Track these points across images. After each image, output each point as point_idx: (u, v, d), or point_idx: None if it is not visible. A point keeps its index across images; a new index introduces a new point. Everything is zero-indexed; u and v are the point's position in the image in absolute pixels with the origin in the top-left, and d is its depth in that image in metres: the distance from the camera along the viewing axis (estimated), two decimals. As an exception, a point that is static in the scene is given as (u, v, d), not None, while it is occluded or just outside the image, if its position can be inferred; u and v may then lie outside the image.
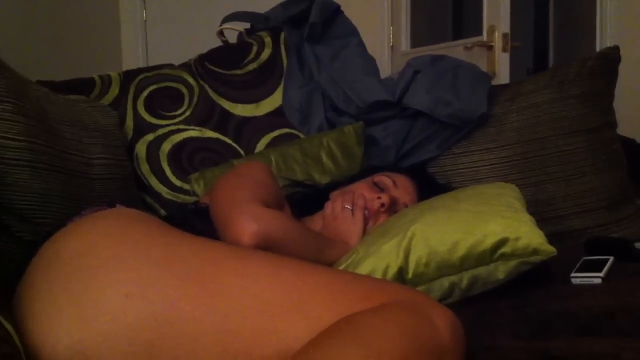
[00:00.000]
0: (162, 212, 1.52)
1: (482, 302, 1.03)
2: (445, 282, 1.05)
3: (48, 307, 0.76)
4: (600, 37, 2.93)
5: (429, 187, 1.37)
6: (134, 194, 1.49)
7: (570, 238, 1.47)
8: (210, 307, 0.73)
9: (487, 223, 1.04)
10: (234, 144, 1.62)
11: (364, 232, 1.21)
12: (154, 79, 1.65)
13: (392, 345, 0.66)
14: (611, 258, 1.13)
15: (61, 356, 0.73)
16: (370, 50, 1.80)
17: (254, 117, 1.66)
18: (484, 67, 2.50)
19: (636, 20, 2.82)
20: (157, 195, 1.55)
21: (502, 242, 1.01)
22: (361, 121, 1.63)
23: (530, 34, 5.09)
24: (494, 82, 1.97)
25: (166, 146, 1.58)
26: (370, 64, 1.73)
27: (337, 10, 1.79)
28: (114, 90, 1.60)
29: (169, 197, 1.55)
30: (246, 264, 0.79)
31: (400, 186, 1.30)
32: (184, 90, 1.65)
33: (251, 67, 1.72)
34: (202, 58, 1.73)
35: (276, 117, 1.68)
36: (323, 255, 1.10)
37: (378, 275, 1.03)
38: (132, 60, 3.04)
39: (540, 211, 1.43)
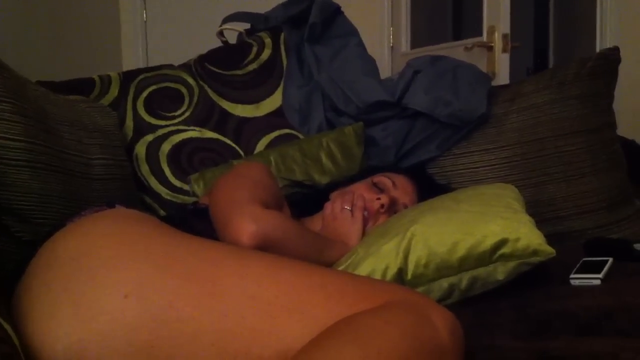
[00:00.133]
0: (162, 212, 1.52)
1: (482, 302, 1.03)
2: (444, 282, 1.05)
3: (47, 307, 0.76)
4: (600, 37, 2.93)
5: (429, 187, 1.37)
6: (134, 195, 1.49)
7: (570, 239, 1.47)
8: (209, 307, 0.73)
9: (486, 224, 1.04)
10: (233, 145, 1.62)
11: (364, 232, 1.21)
12: (153, 79, 1.65)
13: (391, 345, 0.66)
14: (610, 259, 1.13)
15: (60, 356, 0.73)
16: (370, 50, 1.80)
17: (254, 118, 1.66)
18: (484, 68, 2.50)
19: (636, 20, 2.82)
20: (156, 196, 1.55)
21: (502, 243, 1.01)
22: (361, 121, 1.63)
23: (530, 34, 5.08)
24: (494, 83, 1.97)
25: (166, 147, 1.58)
26: (369, 64, 1.73)
27: (337, 11, 1.79)
28: (114, 91, 1.60)
29: (169, 197, 1.55)
30: (245, 264, 0.79)
31: (399, 187, 1.30)
32: (184, 90, 1.65)
33: (251, 67, 1.72)
34: (202, 58, 1.73)
35: (276, 118, 1.68)
36: (322, 255, 1.10)
37: (377, 275, 1.03)
38: (132, 60, 3.04)
39: (540, 212, 1.43)
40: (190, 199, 1.50)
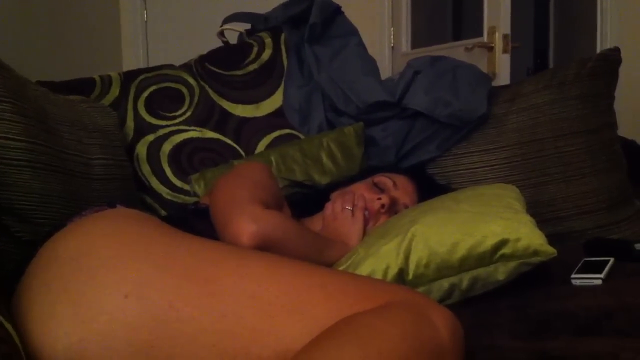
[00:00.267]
0: (163, 212, 1.52)
1: (482, 302, 1.04)
2: (445, 283, 1.05)
3: (47, 307, 0.76)
4: (600, 37, 2.94)
5: (429, 187, 1.37)
6: (134, 195, 1.49)
7: (570, 239, 1.47)
8: (209, 307, 0.73)
9: (487, 224, 1.04)
10: (234, 145, 1.62)
11: (364, 232, 1.21)
12: (154, 79, 1.65)
13: (392, 345, 0.66)
14: (611, 259, 1.13)
15: (60, 356, 0.73)
16: (370, 51, 1.80)
17: (254, 118, 1.66)
18: (484, 68, 2.50)
19: (636, 20, 2.82)
20: (157, 196, 1.55)
21: (502, 243, 1.01)
22: (361, 122, 1.63)
23: (530, 34, 5.09)
24: (495, 83, 1.97)
25: (167, 147, 1.58)
26: (370, 64, 1.73)
27: (337, 11, 1.79)
28: (115, 91, 1.60)
29: (170, 197, 1.55)
30: (245, 265, 0.79)
31: (400, 187, 1.30)
32: (185, 90, 1.65)
33: (251, 67, 1.72)
34: (203, 59, 1.74)
35: (276, 118, 1.68)
36: (323, 256, 1.10)
37: (378, 276, 1.03)
38: (132, 60, 3.05)
39: (540, 212, 1.43)
40: (191, 199, 1.50)
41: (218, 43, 1.90)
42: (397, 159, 1.62)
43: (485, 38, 2.63)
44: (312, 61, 1.71)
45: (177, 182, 1.56)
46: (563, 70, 1.59)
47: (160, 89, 1.63)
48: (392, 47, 3.20)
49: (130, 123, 1.57)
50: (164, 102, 1.62)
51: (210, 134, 1.62)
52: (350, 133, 1.59)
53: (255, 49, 1.75)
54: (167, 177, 1.56)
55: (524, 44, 4.03)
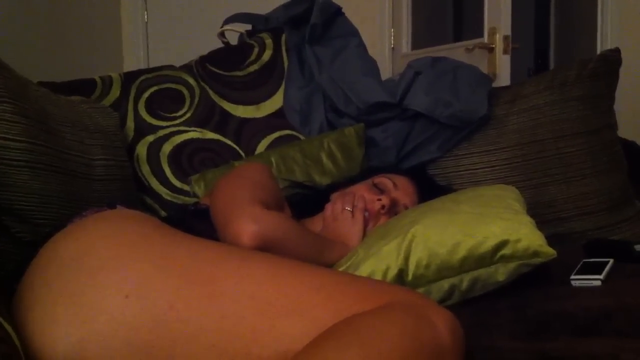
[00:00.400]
0: (163, 213, 1.52)
1: (481, 302, 1.04)
2: (445, 284, 1.05)
3: (48, 308, 0.76)
4: (601, 38, 2.94)
5: (429, 188, 1.37)
6: (134, 195, 1.49)
7: (571, 240, 1.47)
8: (209, 308, 0.74)
9: (487, 225, 1.04)
10: (234, 146, 1.62)
11: (364, 233, 1.21)
12: (155, 80, 1.65)
13: (392, 346, 0.66)
14: (611, 260, 1.13)
15: (61, 356, 0.73)
16: (371, 51, 1.80)
17: (255, 119, 1.67)
18: (484, 69, 2.50)
19: (637, 21, 2.82)
20: (157, 197, 1.55)
21: (503, 244, 1.01)
22: (361, 123, 1.63)
23: (530, 35, 5.09)
24: (495, 84, 1.97)
25: (167, 147, 1.58)
26: (370, 65, 1.73)
27: (338, 12, 1.79)
28: (115, 92, 1.60)
29: (170, 198, 1.55)
30: (245, 265, 0.79)
31: (400, 188, 1.30)
32: (185, 91, 1.65)
33: (252, 68, 1.72)
34: (203, 59, 1.74)
35: (277, 119, 1.68)
36: (323, 256, 1.10)
37: (378, 276, 1.03)
38: (133, 61, 3.05)
39: (540, 213, 1.43)
40: (190, 200, 1.50)
41: (219, 44, 1.90)
42: (398, 160, 1.62)
43: (485, 39, 2.63)
44: (313, 62, 1.71)
45: (177, 183, 1.56)
46: (564, 71, 1.59)
47: (161, 90, 1.63)
48: (393, 48, 3.20)
49: (130, 124, 1.57)
50: (165, 102, 1.62)
51: (211, 135, 1.62)
52: (351, 134, 1.59)
53: (255, 50, 1.75)
54: (167, 178, 1.56)
55: (524, 44, 4.04)
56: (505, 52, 2.54)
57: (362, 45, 1.77)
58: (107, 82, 1.61)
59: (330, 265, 1.10)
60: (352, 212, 1.22)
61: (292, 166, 1.51)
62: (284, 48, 1.76)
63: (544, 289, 1.06)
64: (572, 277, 1.09)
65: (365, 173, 1.40)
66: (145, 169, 1.56)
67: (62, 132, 1.21)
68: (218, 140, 1.62)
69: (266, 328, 0.72)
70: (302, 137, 1.66)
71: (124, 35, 3.10)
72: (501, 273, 1.03)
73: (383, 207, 1.23)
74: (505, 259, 1.02)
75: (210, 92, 1.66)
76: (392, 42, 3.19)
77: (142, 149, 1.56)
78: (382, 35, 3.17)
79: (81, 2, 2.71)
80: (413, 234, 1.05)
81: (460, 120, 1.57)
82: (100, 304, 0.74)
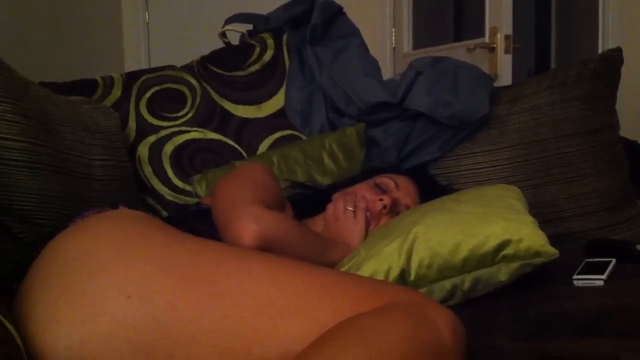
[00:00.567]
0: (164, 213, 1.53)
1: (481, 302, 1.04)
2: (447, 284, 1.05)
3: (49, 308, 0.76)
4: (602, 38, 2.93)
5: (431, 188, 1.37)
6: (135, 196, 1.49)
7: (572, 240, 1.47)
8: (210, 308, 0.74)
9: (489, 225, 1.04)
10: (235, 146, 1.62)
11: (366, 233, 1.21)
12: (156, 80, 1.65)
13: (394, 346, 0.66)
14: (613, 260, 1.13)
15: (62, 356, 0.73)
16: (372, 51, 1.80)
17: (256, 119, 1.67)
18: (485, 69, 2.50)
19: (638, 20, 2.82)
20: (159, 197, 1.55)
21: (504, 244, 1.01)
22: (362, 123, 1.63)
23: (531, 35, 5.08)
24: (496, 84, 1.97)
25: (168, 147, 1.58)
26: (371, 65, 1.73)
27: (339, 11, 1.79)
28: (117, 92, 1.60)
29: (171, 198, 1.55)
30: (246, 265, 0.79)
31: (402, 188, 1.30)
32: (186, 91, 1.65)
33: (253, 68, 1.72)
34: (204, 59, 1.74)
35: (278, 119, 1.68)
36: (324, 256, 1.10)
37: (380, 277, 1.03)
38: (134, 61, 3.04)
39: (541, 213, 1.42)
40: (192, 200, 1.50)
41: (220, 44, 1.90)
42: (399, 160, 1.62)
43: (486, 39, 2.63)
44: (314, 62, 1.71)
45: (179, 183, 1.56)
46: (565, 71, 1.59)
47: (162, 90, 1.64)
48: (394, 47, 3.20)
49: (132, 124, 1.58)
50: (166, 103, 1.62)
51: (212, 135, 1.62)
52: (352, 134, 1.59)
53: (257, 50, 1.75)
54: (169, 178, 1.56)
55: (525, 44, 4.03)
56: (506, 51, 2.54)
57: (363, 46, 1.77)
58: (109, 83, 1.62)
59: (331, 266, 1.10)
60: (354, 212, 1.22)
61: (293, 166, 1.51)
62: (285, 48, 1.76)
63: (544, 289, 1.06)
64: (575, 277, 1.09)
65: (367, 173, 1.40)
66: (147, 170, 1.56)
67: (62, 132, 1.21)
68: (219, 141, 1.62)
69: (267, 328, 0.72)
70: (303, 137, 1.66)
71: (125, 35, 3.10)
72: (503, 273, 1.03)
73: (385, 207, 1.23)
74: (507, 259, 1.02)
75: (212, 92, 1.66)
76: (393, 41, 3.19)
77: (143, 150, 1.57)
78: (383, 35, 3.17)
79: (82, 2, 2.71)
80: (415, 234, 1.05)
81: (461, 120, 1.57)
82: (101, 304, 0.74)
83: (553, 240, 1.04)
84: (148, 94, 1.62)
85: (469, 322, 0.82)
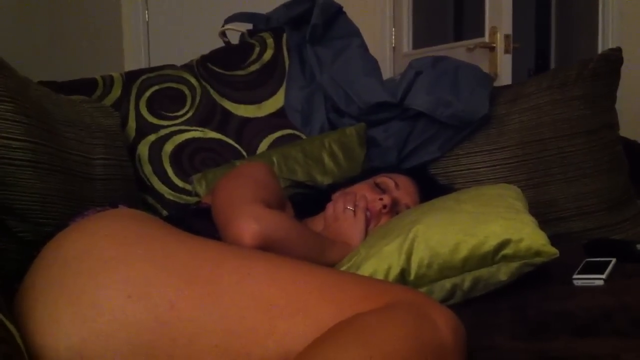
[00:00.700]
0: (165, 212, 1.53)
1: (481, 302, 1.04)
2: (447, 283, 1.05)
3: (49, 307, 0.76)
4: (602, 37, 2.93)
5: (431, 188, 1.37)
6: (135, 195, 1.49)
7: (572, 240, 1.47)
8: (210, 308, 0.74)
9: (489, 224, 1.04)
10: (235, 145, 1.62)
11: (366, 233, 1.21)
12: (156, 79, 1.65)
13: (394, 346, 0.66)
14: (613, 260, 1.13)
15: (62, 356, 0.73)
16: (372, 51, 1.80)
17: (256, 118, 1.67)
18: (486, 69, 2.50)
19: (638, 20, 2.82)
20: (159, 196, 1.55)
21: (504, 243, 1.01)
22: (363, 122, 1.63)
23: (531, 35, 5.08)
24: (496, 84, 1.97)
25: (168, 147, 1.58)
26: (371, 64, 1.73)
27: (339, 11, 1.79)
28: (116, 91, 1.60)
29: (171, 197, 1.55)
30: (246, 265, 0.79)
31: (401, 187, 1.30)
32: (186, 91, 1.65)
33: (253, 67, 1.72)
34: (204, 59, 1.74)
35: (278, 118, 1.68)
36: (324, 256, 1.10)
37: (380, 276, 1.03)
38: (134, 61, 3.05)
39: (541, 213, 1.42)
40: (192, 199, 1.50)
41: (220, 43, 1.90)
42: (399, 160, 1.62)
43: (486, 38, 2.63)
44: (314, 62, 1.71)
45: (179, 183, 1.56)
46: (565, 70, 1.59)
47: (162, 89, 1.64)
48: (394, 47, 3.20)
49: (132, 123, 1.58)
50: (166, 102, 1.62)
51: (212, 134, 1.62)
52: (352, 134, 1.59)
53: (257, 49, 1.75)
54: (169, 177, 1.56)
55: (525, 44, 4.03)
56: (506, 51, 2.54)
57: (363, 46, 1.77)
58: (108, 82, 1.61)
59: (331, 265, 1.10)
60: (354, 211, 1.22)
61: (293, 166, 1.51)
62: (285, 47, 1.76)
63: (544, 289, 1.06)
64: (575, 276, 1.09)
65: (367, 173, 1.40)
66: (147, 169, 1.56)
67: (63, 131, 1.21)
68: (219, 140, 1.62)
69: (267, 328, 0.72)
70: (303, 137, 1.66)
71: (124, 34, 3.10)
72: (503, 272, 1.03)
73: (384, 206, 1.23)
74: (507, 258, 1.02)
75: (212, 92, 1.66)
76: (393, 41, 3.19)
77: (143, 149, 1.56)
78: (383, 35, 3.17)
79: (82, 2, 2.71)
80: (415, 234, 1.05)
81: (461, 120, 1.57)
82: (101, 303, 0.74)
83: (553, 240, 1.04)
84: (148, 93, 1.62)
85: (469, 322, 0.82)
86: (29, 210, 1.08)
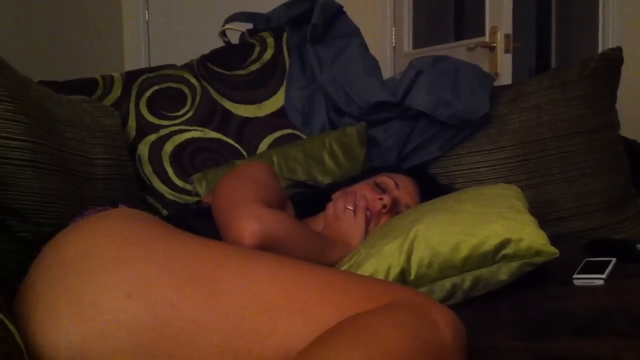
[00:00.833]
0: (165, 212, 1.53)
1: (481, 302, 1.04)
2: (447, 283, 1.05)
3: (49, 307, 0.76)
4: (602, 37, 2.93)
5: (431, 188, 1.37)
6: (135, 195, 1.49)
7: (572, 239, 1.47)
8: (210, 307, 0.74)
9: (489, 224, 1.04)
10: (235, 145, 1.62)
11: (366, 233, 1.21)
12: (156, 79, 1.65)
13: (394, 346, 0.66)
14: (614, 260, 1.13)
15: (63, 355, 0.73)
16: (372, 51, 1.80)
17: (256, 118, 1.67)
18: (486, 68, 2.50)
19: (638, 20, 2.81)
20: (159, 196, 1.55)
21: (505, 243, 1.02)
22: (363, 122, 1.63)
23: (532, 35, 5.08)
24: (497, 83, 1.97)
25: (168, 147, 1.58)
26: (371, 64, 1.73)
27: (340, 11, 1.79)
28: (117, 91, 1.60)
29: (172, 197, 1.55)
30: (247, 264, 0.79)
31: (402, 187, 1.30)
32: (187, 90, 1.65)
33: (253, 67, 1.72)
34: (205, 59, 1.74)
35: (278, 118, 1.68)
36: (324, 256, 1.10)
37: (380, 276, 1.03)
38: (134, 60, 3.05)
39: (542, 212, 1.42)
40: (192, 199, 1.50)
41: (220, 43, 1.90)
42: (399, 160, 1.61)
43: (487, 38, 2.63)
44: (314, 62, 1.71)
45: (179, 182, 1.56)
46: (565, 70, 1.59)
47: (162, 89, 1.63)
48: (394, 47, 3.20)
49: (132, 123, 1.58)
50: (166, 102, 1.62)
51: (212, 134, 1.62)
52: (353, 133, 1.59)
53: (257, 49, 1.75)
54: (169, 177, 1.56)
55: (525, 44, 4.03)
56: (506, 51, 2.54)
57: (363, 45, 1.77)
58: (109, 82, 1.61)
59: (332, 265, 1.10)
60: (354, 211, 1.22)
61: (293, 165, 1.51)
62: (285, 47, 1.76)
63: (544, 289, 1.06)
64: (575, 276, 1.09)
65: (367, 172, 1.40)
66: (147, 169, 1.56)
67: (63, 131, 1.21)
68: (219, 140, 1.62)
69: (268, 327, 0.72)
70: (303, 137, 1.66)
71: (125, 34, 3.10)
72: (503, 272, 1.03)
73: (385, 206, 1.23)
74: (508, 258, 1.02)
75: (212, 91, 1.66)
76: (394, 41, 3.19)
77: (143, 149, 1.56)
78: (384, 34, 3.16)
79: (82, 1, 2.71)
80: (415, 233, 1.05)
81: (461, 119, 1.57)
82: (102, 303, 0.74)
83: (553, 239, 1.04)
84: (148, 93, 1.62)
85: (469, 322, 0.82)
86: (29, 210, 1.08)
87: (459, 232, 1.04)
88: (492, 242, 1.02)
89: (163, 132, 1.59)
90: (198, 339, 0.72)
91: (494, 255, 1.02)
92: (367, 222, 1.22)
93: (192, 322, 0.73)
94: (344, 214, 1.22)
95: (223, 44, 1.90)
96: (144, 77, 1.65)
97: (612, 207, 1.53)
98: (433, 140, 1.61)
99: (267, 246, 0.94)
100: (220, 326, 0.73)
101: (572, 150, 1.52)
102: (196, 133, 1.61)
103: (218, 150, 1.61)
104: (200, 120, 1.62)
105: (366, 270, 1.04)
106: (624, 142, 1.61)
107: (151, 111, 1.60)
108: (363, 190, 1.28)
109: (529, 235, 1.02)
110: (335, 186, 1.38)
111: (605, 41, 2.89)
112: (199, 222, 1.05)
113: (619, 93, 1.60)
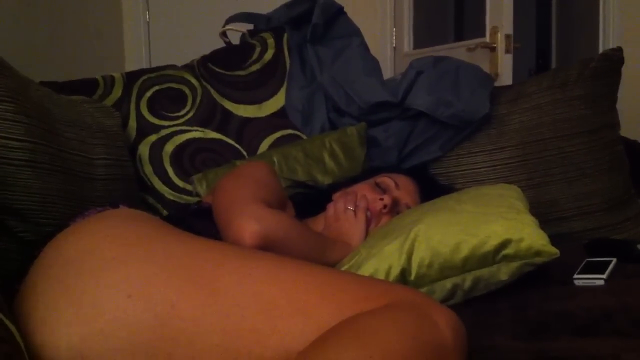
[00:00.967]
0: (165, 212, 1.53)
1: (481, 302, 1.04)
2: (447, 283, 1.05)
3: (50, 307, 0.76)
4: (602, 37, 2.93)
5: (431, 188, 1.37)
6: (136, 195, 1.49)
7: (572, 240, 1.47)
8: (210, 307, 0.74)
9: (489, 224, 1.04)
10: (236, 145, 1.62)
11: (366, 233, 1.21)
12: (157, 80, 1.65)
13: (395, 346, 0.66)
14: (614, 260, 1.13)
15: (63, 355, 0.73)
16: (372, 51, 1.80)
17: (257, 118, 1.67)
18: (486, 69, 2.50)
19: (638, 20, 2.81)
20: (160, 196, 1.55)
21: (505, 243, 1.02)
22: (363, 122, 1.63)
23: (532, 35, 5.08)
24: (497, 84, 1.97)
25: (169, 147, 1.58)
26: (372, 64, 1.73)
27: (340, 11, 1.79)
28: (117, 91, 1.60)
29: (172, 198, 1.55)
30: (247, 264, 0.79)
31: (402, 187, 1.30)
32: (187, 91, 1.65)
33: (254, 68, 1.72)
34: (205, 59, 1.74)
35: (279, 118, 1.68)
36: (325, 256, 1.10)
37: (380, 276, 1.04)
38: (135, 61, 3.05)
39: (542, 213, 1.42)
40: (193, 199, 1.50)
41: (220, 43, 1.90)
42: (400, 160, 1.62)
43: (487, 38, 2.63)
44: (315, 62, 1.71)
45: (179, 183, 1.56)
46: (566, 70, 1.59)
47: (163, 90, 1.64)
48: (394, 47, 3.20)
49: (132, 123, 1.58)
50: (167, 102, 1.62)
51: (213, 135, 1.62)
52: (353, 133, 1.59)
53: (257, 49, 1.75)
54: (170, 178, 1.56)
55: (526, 44, 4.04)
56: (507, 51, 2.54)
57: (363, 45, 1.77)
58: (109, 82, 1.61)
59: (332, 265, 1.10)
60: (354, 211, 1.22)
61: (294, 166, 1.51)
62: (285, 47, 1.76)
63: (545, 289, 1.06)
64: (575, 276, 1.09)
65: (367, 173, 1.41)
66: (148, 169, 1.56)
67: (63, 131, 1.21)
68: (220, 140, 1.62)
69: (268, 328, 0.72)
70: (304, 137, 1.66)
71: (125, 34, 3.10)
72: (504, 272, 1.03)
73: (385, 206, 1.23)
74: (508, 258, 1.02)
75: (212, 92, 1.66)
76: (394, 41, 3.19)
77: (144, 149, 1.57)
78: (384, 35, 3.16)
79: (83, 1, 2.71)
80: (415, 234, 1.05)
81: (461, 120, 1.57)
82: (102, 303, 0.74)
83: (554, 240, 1.04)
84: (149, 94, 1.62)
85: (469, 322, 0.82)
86: (29, 210, 1.08)
87: (459, 232, 1.04)
88: (492, 242, 1.02)
89: (163, 132, 1.59)
90: (198, 339, 0.72)
91: (495, 256, 1.02)
92: (368, 222, 1.23)
93: (192, 322, 0.73)
94: (345, 214, 1.22)
95: (224, 45, 1.90)
96: (144, 77, 1.65)
97: (613, 207, 1.53)
98: (433, 141, 1.61)
99: (267, 246, 0.94)
100: (221, 326, 0.73)
101: (573, 150, 1.52)
102: (197, 133, 1.61)
103: (218, 151, 1.61)
104: (201, 121, 1.62)
105: (367, 270, 1.04)
106: (624, 142, 1.61)
107: (152, 111, 1.60)
108: (363, 190, 1.28)
109: (529, 236, 1.02)
110: (336, 186, 1.38)
111: (606, 41, 2.89)
112: (199, 222, 1.05)
113: (619, 93, 1.60)
